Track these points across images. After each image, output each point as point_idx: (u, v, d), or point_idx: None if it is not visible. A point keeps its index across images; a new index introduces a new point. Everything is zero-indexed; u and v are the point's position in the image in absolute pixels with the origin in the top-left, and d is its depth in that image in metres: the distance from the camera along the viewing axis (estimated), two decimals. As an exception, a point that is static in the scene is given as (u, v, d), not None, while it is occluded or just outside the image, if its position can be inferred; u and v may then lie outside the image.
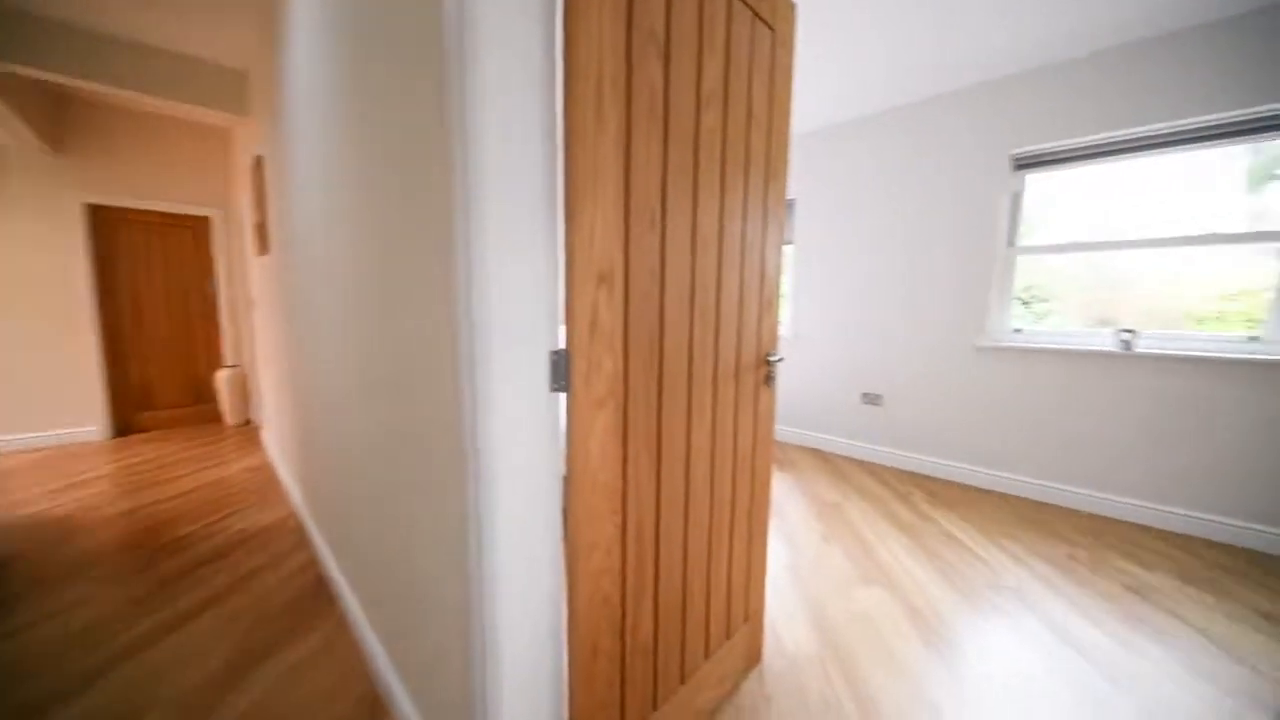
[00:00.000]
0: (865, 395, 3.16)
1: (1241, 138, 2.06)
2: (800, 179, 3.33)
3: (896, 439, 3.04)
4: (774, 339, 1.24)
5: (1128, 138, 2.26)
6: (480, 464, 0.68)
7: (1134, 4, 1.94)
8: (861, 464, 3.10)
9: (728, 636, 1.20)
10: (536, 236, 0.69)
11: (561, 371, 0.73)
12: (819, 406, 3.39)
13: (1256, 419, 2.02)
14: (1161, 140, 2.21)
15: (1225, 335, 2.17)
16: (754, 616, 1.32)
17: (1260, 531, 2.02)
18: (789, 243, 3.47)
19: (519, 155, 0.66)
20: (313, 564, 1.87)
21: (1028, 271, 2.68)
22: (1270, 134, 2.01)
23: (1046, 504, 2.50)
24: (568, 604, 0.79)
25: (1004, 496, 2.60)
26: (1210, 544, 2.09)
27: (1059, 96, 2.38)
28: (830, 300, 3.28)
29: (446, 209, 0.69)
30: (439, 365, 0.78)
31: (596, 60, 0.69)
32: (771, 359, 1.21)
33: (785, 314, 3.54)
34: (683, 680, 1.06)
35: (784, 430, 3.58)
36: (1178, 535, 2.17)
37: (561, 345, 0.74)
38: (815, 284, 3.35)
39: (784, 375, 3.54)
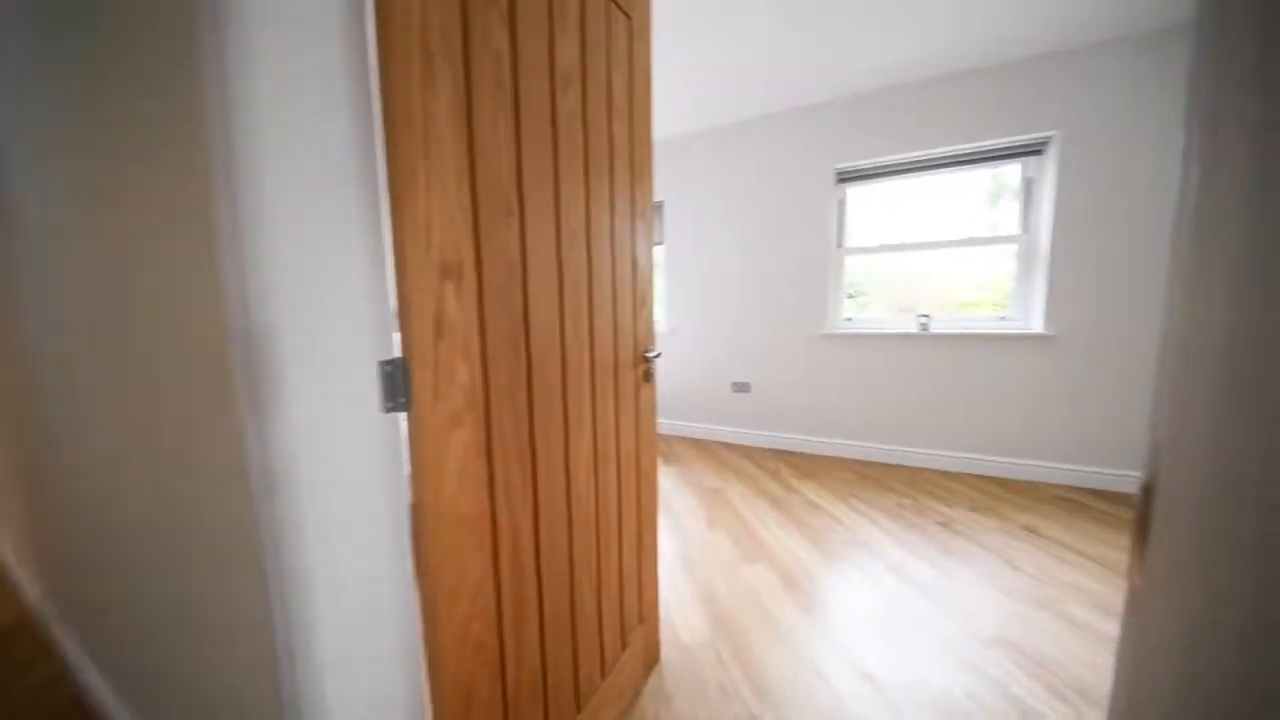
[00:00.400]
0: (735, 384, 3.41)
1: (989, 163, 2.67)
2: (666, 182, 3.46)
3: (764, 421, 3.33)
4: (650, 335, 1.22)
5: (916, 159, 2.78)
6: (277, 521, 0.51)
7: (926, 46, 2.38)
8: (737, 448, 3.34)
9: (624, 647, 1.15)
10: (348, 215, 0.55)
11: (399, 385, 0.59)
12: (696, 398, 3.57)
13: (1011, 376, 2.64)
14: (940, 162, 2.75)
15: (985, 316, 2.80)
16: (649, 617, 1.29)
17: (1023, 464, 2.65)
18: (659, 243, 3.59)
19: (313, 106, 0.51)
20: (63, 678, 1.35)
21: (852, 270, 3.16)
22: (1003, 161, 2.64)
23: (881, 463, 2.96)
24: (429, 661, 0.66)
25: (850, 461, 3.02)
26: (990, 479, 2.68)
27: (868, 122, 2.82)
28: (700, 297, 3.47)
29: (206, 168, 0.51)
30: (218, 393, 0.58)
31: (419, 6, 0.57)
32: (650, 355, 1.19)
33: (660, 312, 3.66)
34: (579, 708, 0.98)
35: (665, 424, 3.69)
36: (968, 475, 2.73)
37: (398, 353, 0.60)
38: (686, 282, 3.51)
39: (662, 370, 3.65)
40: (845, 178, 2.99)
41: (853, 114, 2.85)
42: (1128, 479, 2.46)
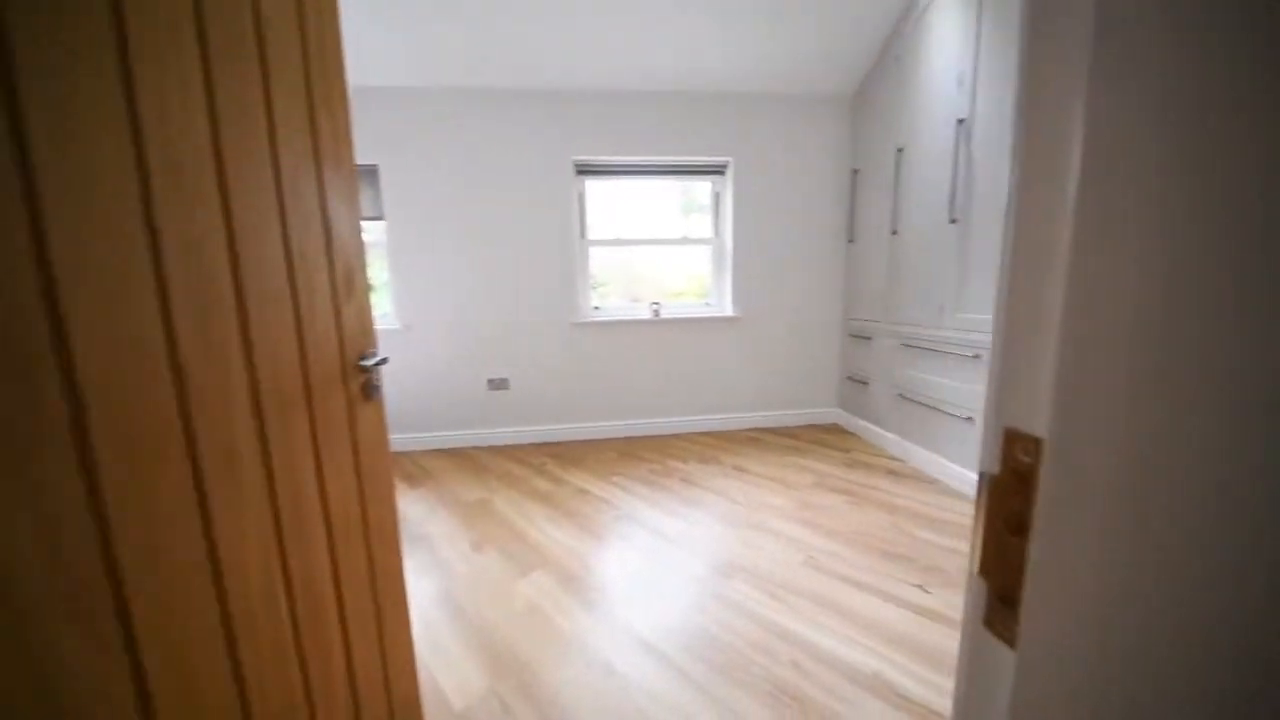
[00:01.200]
0: (491, 381, 3.15)
1: (693, 175, 3.20)
2: (380, 139, 2.82)
3: (525, 416, 3.20)
4: (368, 334, 0.89)
5: (640, 163, 3.10)
6: None
7: (642, 61, 2.60)
8: (500, 450, 3.11)
9: (369, 773, 0.82)
10: None
11: None
12: (446, 402, 3.13)
13: (715, 349, 3.28)
14: (659, 169, 3.14)
15: (697, 304, 3.41)
16: (405, 705, 0.98)
17: (727, 417, 3.36)
18: (378, 218, 2.93)
19: None
20: None
21: (594, 261, 3.33)
22: (702, 176, 3.21)
23: (634, 437, 3.27)
24: None
25: (611, 441, 3.22)
26: (714, 434, 3.29)
27: (602, 120, 2.96)
28: (439, 288, 3.02)
29: None
30: None
31: None
32: (369, 363, 0.86)
33: (387, 304, 3.02)
34: None
35: (409, 439, 3.12)
36: (699, 434, 3.30)
37: None
38: (418, 270, 2.99)
39: (395, 378, 3.05)
40: (583, 170, 3.08)
41: (589, 109, 2.94)
42: (791, 416, 3.44)
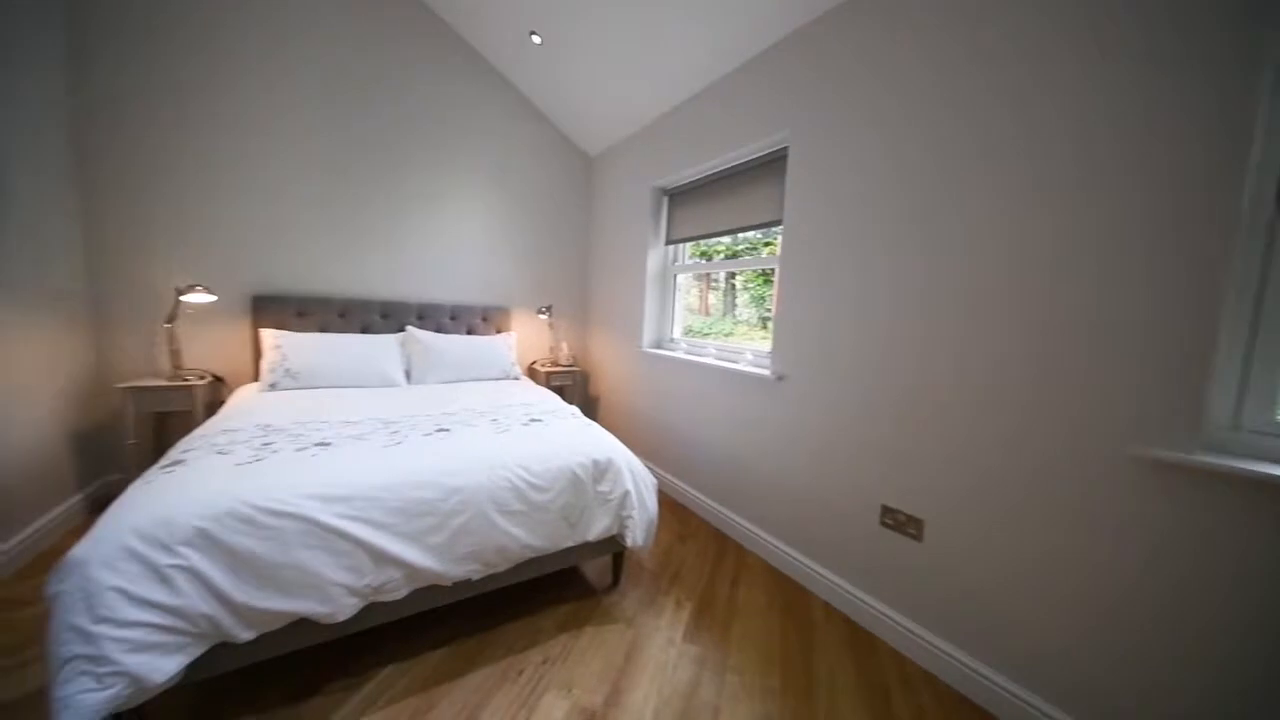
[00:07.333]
0: (889, 513, 1.59)
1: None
2: (790, 107, 1.92)
3: (936, 605, 1.43)
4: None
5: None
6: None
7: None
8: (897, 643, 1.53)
9: None
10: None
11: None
12: (808, 514, 1.86)
13: None
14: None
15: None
16: None
17: None
18: (774, 223, 2.07)
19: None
20: None
21: None
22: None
23: None
24: None
25: None
26: None
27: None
28: (829, 326, 1.78)
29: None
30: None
31: None
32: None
33: (764, 342, 2.12)
34: None
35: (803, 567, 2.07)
36: None
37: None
38: (816, 290, 1.86)
39: (765, 468, 2.08)
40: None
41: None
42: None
